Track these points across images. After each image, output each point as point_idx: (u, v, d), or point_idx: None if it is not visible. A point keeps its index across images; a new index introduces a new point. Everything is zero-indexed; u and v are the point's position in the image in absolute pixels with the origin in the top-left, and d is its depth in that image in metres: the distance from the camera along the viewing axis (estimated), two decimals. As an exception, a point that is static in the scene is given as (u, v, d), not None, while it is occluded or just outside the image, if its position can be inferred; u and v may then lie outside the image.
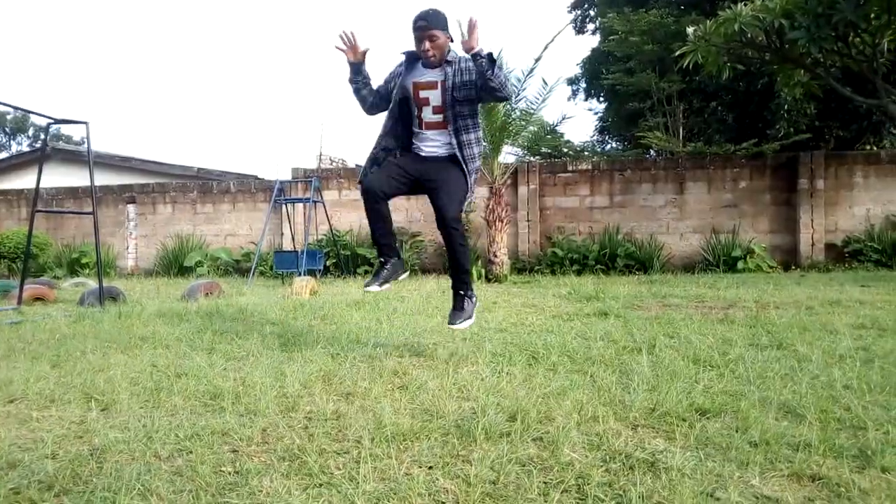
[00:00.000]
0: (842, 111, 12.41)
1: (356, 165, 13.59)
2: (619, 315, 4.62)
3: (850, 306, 4.92)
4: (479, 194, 9.15)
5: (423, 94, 3.24)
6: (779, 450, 1.81)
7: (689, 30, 8.39)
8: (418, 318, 4.60)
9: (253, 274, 9.45)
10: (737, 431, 1.97)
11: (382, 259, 3.26)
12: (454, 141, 3.23)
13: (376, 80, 3.40)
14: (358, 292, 6.79)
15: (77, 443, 1.97)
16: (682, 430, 1.99)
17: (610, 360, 3.01)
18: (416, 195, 3.53)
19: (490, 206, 8.95)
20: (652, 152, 13.81)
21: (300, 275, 8.23)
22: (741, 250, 9.78)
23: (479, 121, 3.34)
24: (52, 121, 5.77)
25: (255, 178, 12.84)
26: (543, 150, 12.00)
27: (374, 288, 3.20)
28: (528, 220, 10.80)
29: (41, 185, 5.98)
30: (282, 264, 9.07)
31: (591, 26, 18.78)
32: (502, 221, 8.95)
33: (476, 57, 3.01)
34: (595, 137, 19.98)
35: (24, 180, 14.49)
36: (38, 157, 11.55)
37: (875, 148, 12.53)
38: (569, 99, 20.87)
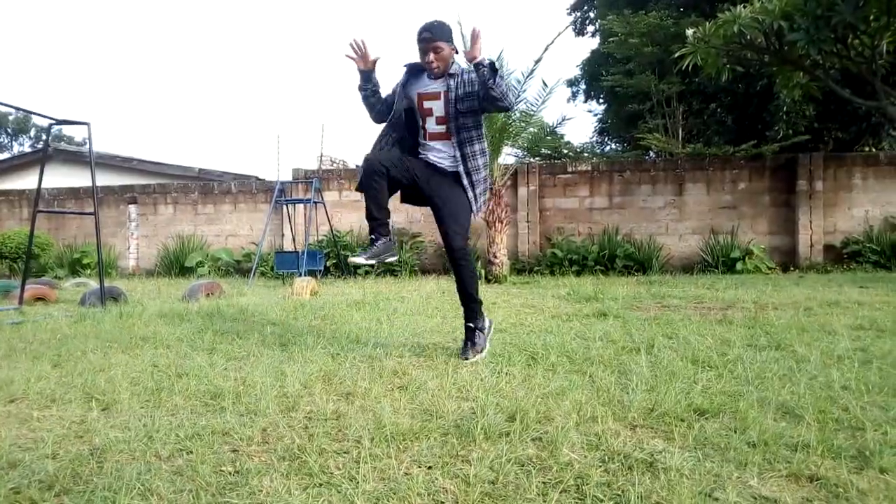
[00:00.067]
0: (841, 113, 12.43)
1: (356, 166, 13.60)
2: (618, 316, 4.63)
3: (849, 307, 4.93)
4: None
5: (426, 104, 3.28)
6: (777, 450, 1.81)
7: (689, 32, 8.39)
8: (418, 319, 4.60)
9: (254, 274, 9.45)
10: (735, 432, 1.97)
11: (374, 236, 3.20)
12: (458, 153, 3.25)
13: (385, 90, 3.44)
14: (358, 293, 6.79)
15: (77, 442, 1.97)
16: (681, 430, 2.00)
17: (609, 360, 3.02)
18: (413, 204, 3.50)
19: (490, 207, 8.96)
20: (651, 154, 13.83)
21: (301, 275, 8.24)
22: (740, 251, 9.79)
23: (484, 132, 3.35)
24: (53, 121, 5.78)
25: (256, 178, 12.84)
26: (543, 151, 12.01)
27: (360, 260, 3.14)
28: (527, 221, 10.81)
29: (43, 186, 5.98)
30: (282, 265, 9.08)
31: (590, 28, 18.82)
32: (502, 222, 8.96)
33: (478, 66, 3.03)
34: (595, 139, 20.03)
35: (25, 181, 14.51)
36: (39, 158, 11.57)
37: (874, 150, 12.54)
38: (568, 100, 20.94)
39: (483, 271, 8.93)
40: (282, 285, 8.44)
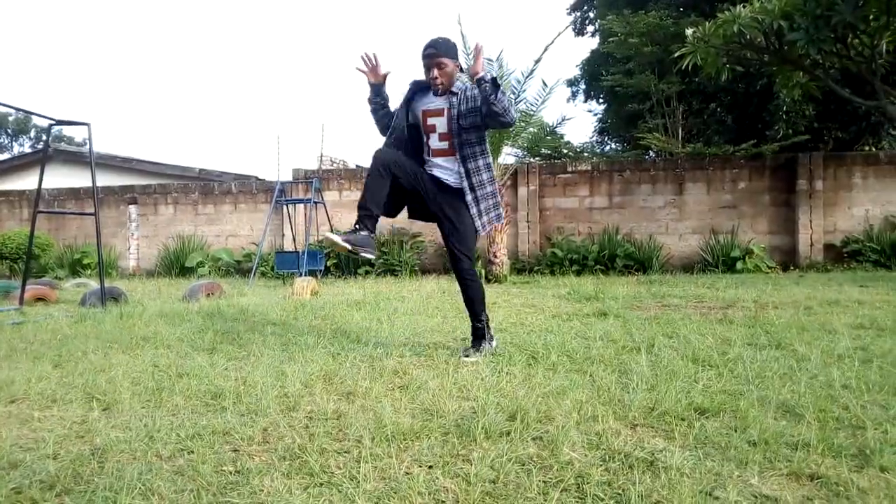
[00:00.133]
0: (841, 112, 12.43)
1: (357, 166, 13.61)
2: (619, 315, 4.63)
3: (849, 306, 4.93)
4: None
5: (430, 120, 3.30)
6: (777, 449, 1.81)
7: (689, 31, 8.39)
8: (418, 319, 4.61)
9: (254, 274, 9.46)
10: (735, 431, 1.98)
11: (358, 226, 3.10)
12: (461, 169, 3.26)
13: (393, 104, 3.47)
14: (359, 293, 6.80)
15: (78, 442, 1.97)
16: (681, 429, 2.00)
17: (609, 359, 3.02)
18: (421, 220, 3.49)
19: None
20: (651, 153, 13.82)
21: (301, 275, 8.24)
22: (740, 251, 9.79)
23: (488, 148, 3.36)
24: (53, 122, 5.78)
25: (256, 178, 12.84)
26: (543, 151, 12.00)
27: (335, 238, 3.01)
28: (527, 221, 10.81)
29: (43, 186, 5.98)
30: (283, 265, 9.08)
31: (590, 28, 18.82)
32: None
33: (480, 81, 3.05)
34: (594, 138, 20.03)
35: (25, 181, 14.51)
36: (39, 158, 11.57)
37: (874, 149, 12.54)
38: (568, 100, 20.96)
39: (483, 271, 8.93)
40: (282, 285, 8.45)
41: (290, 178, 11.66)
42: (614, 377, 2.65)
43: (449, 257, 3.33)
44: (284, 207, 10.90)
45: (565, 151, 13.72)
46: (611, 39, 12.52)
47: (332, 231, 3.08)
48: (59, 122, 5.83)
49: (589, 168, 10.90)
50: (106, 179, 13.16)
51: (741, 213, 10.30)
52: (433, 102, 3.30)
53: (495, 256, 8.85)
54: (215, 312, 4.91)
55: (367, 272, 10.24)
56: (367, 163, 14.52)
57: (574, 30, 19.03)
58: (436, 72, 3.18)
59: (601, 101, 18.59)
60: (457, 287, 3.39)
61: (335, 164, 14.31)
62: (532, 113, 9.23)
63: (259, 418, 2.15)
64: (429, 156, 3.36)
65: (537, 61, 8.77)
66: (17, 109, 6.21)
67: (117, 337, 3.83)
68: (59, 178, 13.45)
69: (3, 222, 13.06)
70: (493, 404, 2.23)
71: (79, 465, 1.77)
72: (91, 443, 1.96)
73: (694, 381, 2.55)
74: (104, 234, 10.63)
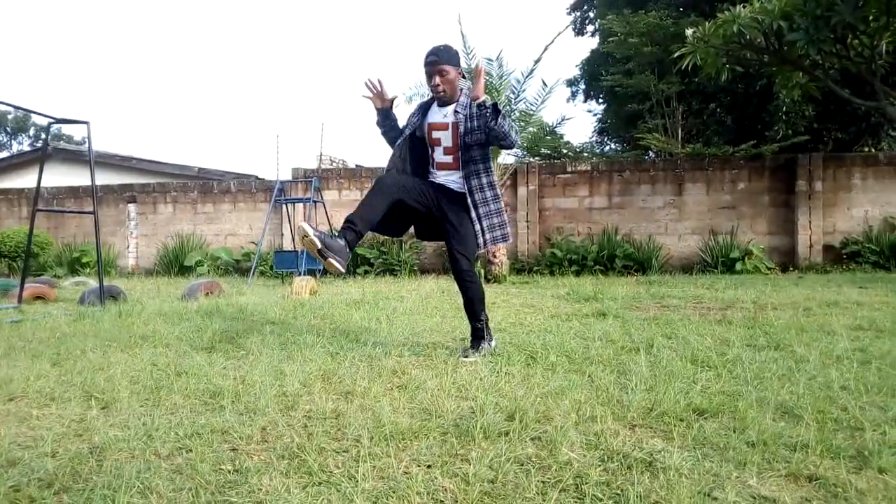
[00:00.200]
0: (840, 113, 12.44)
1: (356, 166, 13.62)
2: (618, 315, 4.63)
3: (848, 307, 4.93)
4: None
5: (435, 134, 3.30)
6: (776, 450, 1.81)
7: (688, 31, 8.40)
8: (417, 318, 4.61)
9: (253, 273, 9.45)
10: (734, 431, 1.98)
11: (338, 234, 3.01)
12: (465, 186, 3.27)
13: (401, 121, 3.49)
14: (358, 292, 6.80)
15: (77, 441, 1.97)
16: (680, 429, 2.00)
17: (608, 360, 3.02)
18: (428, 240, 3.52)
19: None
20: (651, 154, 13.83)
21: (300, 274, 8.24)
22: (739, 251, 9.79)
23: (492, 166, 3.36)
24: (53, 120, 5.78)
25: (256, 178, 12.84)
26: (543, 151, 12.01)
27: (310, 230, 2.89)
28: (527, 221, 10.81)
29: (42, 185, 5.98)
30: (282, 264, 9.08)
31: (590, 28, 18.83)
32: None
33: (481, 107, 3.06)
34: (594, 139, 20.04)
35: (25, 180, 14.50)
36: (39, 157, 11.58)
37: (873, 150, 12.55)
38: (568, 100, 20.97)
39: (482, 271, 8.93)
40: (281, 284, 8.44)
41: (289, 178, 11.65)
42: (613, 378, 2.65)
43: (448, 258, 3.34)
44: (284, 206, 10.90)
45: (565, 151, 13.72)
46: (611, 39, 12.53)
47: (316, 228, 2.97)
48: (59, 121, 5.83)
49: (588, 168, 10.90)
50: (105, 178, 13.15)
51: (740, 213, 10.31)
52: (437, 116, 3.31)
53: (494, 256, 8.85)
54: (214, 311, 4.91)
55: (366, 272, 10.24)
56: (366, 162, 14.53)
57: (574, 30, 19.05)
58: (438, 79, 3.19)
59: (601, 101, 18.59)
60: (456, 287, 3.40)
61: (335, 164, 14.31)
62: (532, 113, 9.23)
63: (258, 417, 2.15)
64: (433, 168, 3.38)
65: (537, 61, 8.77)
66: (17, 108, 6.20)
67: (116, 335, 3.82)
68: (58, 176, 13.44)
69: (2, 220, 13.05)
70: (492, 404, 2.23)
71: (77, 463, 1.77)
72: (89, 441, 1.96)
73: (693, 382, 2.55)
74: (103, 232, 10.64)
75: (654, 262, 9.85)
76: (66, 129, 33.91)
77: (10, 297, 6.22)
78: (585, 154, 15.28)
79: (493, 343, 3.34)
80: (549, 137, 11.28)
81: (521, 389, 2.48)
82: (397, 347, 3.35)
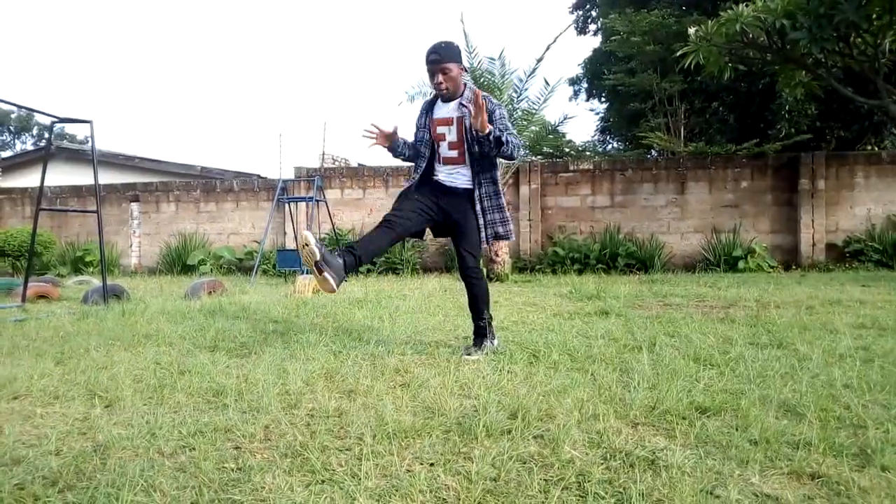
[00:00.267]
0: (843, 112, 12.41)
1: (359, 164, 13.62)
2: (620, 314, 4.63)
3: (851, 306, 4.92)
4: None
5: (439, 129, 3.32)
6: (779, 448, 1.81)
7: (691, 30, 8.38)
8: (420, 317, 4.61)
9: (256, 272, 9.46)
10: (737, 430, 1.98)
11: (340, 254, 3.00)
12: (471, 177, 3.30)
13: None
14: (360, 291, 6.80)
15: (81, 439, 1.98)
16: (683, 428, 2.00)
17: (611, 358, 3.02)
18: (443, 236, 3.57)
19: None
20: (653, 152, 13.80)
21: (303, 273, 8.25)
22: (742, 250, 9.78)
23: (496, 161, 3.38)
24: (56, 120, 5.79)
25: (258, 176, 12.85)
26: (545, 149, 11.99)
27: (312, 240, 2.87)
28: (529, 220, 10.81)
29: (45, 184, 5.99)
30: (284, 263, 9.09)
31: (592, 27, 18.79)
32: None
33: (485, 137, 3.08)
34: (596, 137, 20.00)
35: (28, 179, 14.53)
36: (42, 156, 11.60)
37: (876, 148, 12.52)
38: (570, 99, 20.92)
39: (485, 270, 8.92)
40: (284, 283, 8.45)
41: (292, 176, 11.66)
42: (615, 376, 2.65)
43: (456, 255, 3.37)
44: (286, 205, 10.90)
45: (567, 150, 13.71)
46: (613, 38, 12.51)
47: (317, 237, 3.01)
48: (62, 120, 5.84)
49: (591, 167, 10.89)
50: (108, 177, 13.17)
51: (743, 212, 10.29)
52: (441, 111, 3.32)
53: (497, 255, 8.85)
54: (217, 310, 4.92)
55: (368, 270, 10.25)
56: (369, 161, 14.50)
57: (576, 28, 19.01)
58: (440, 77, 3.19)
59: (603, 99, 18.55)
60: (459, 285, 3.41)
61: (337, 163, 14.31)
62: (534, 112, 9.22)
63: (261, 416, 2.15)
64: (439, 163, 3.39)
65: (539, 60, 8.76)
66: (20, 107, 6.21)
67: (119, 334, 3.83)
68: (61, 175, 13.46)
69: (6, 220, 13.09)
70: (495, 402, 2.24)
71: (81, 461, 1.77)
72: (93, 439, 1.97)
73: (695, 380, 2.55)
74: (106, 231, 10.65)
75: (657, 261, 9.84)
76: (70, 129, 34.00)
77: (14, 295, 6.24)
78: (588, 153, 15.27)
79: (495, 341, 3.34)
80: (551, 136, 11.26)
81: (523, 388, 2.49)
82: (400, 346, 3.35)
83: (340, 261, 2.96)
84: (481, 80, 8.74)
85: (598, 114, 19.70)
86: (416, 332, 3.92)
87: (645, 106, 14.11)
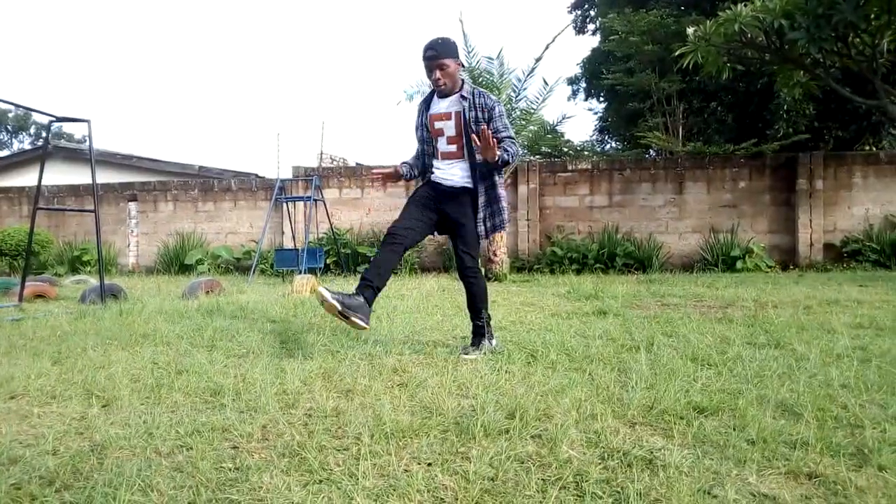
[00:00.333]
0: (841, 112, 12.43)
1: (357, 164, 13.61)
2: (618, 314, 4.63)
3: (848, 306, 4.93)
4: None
5: (437, 124, 3.33)
6: (776, 448, 1.82)
7: (689, 30, 8.39)
8: (418, 317, 4.61)
9: (253, 272, 9.45)
10: (734, 429, 1.98)
11: (357, 291, 3.05)
12: (469, 171, 3.31)
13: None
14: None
15: (78, 439, 1.98)
16: (680, 427, 2.00)
17: (608, 358, 3.02)
18: (443, 234, 3.59)
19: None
20: (651, 152, 13.82)
21: (301, 273, 8.24)
22: (740, 250, 9.79)
23: None
24: (53, 119, 5.78)
25: (256, 176, 12.84)
26: (543, 149, 12.00)
27: (327, 294, 2.90)
28: (527, 220, 10.81)
29: (43, 183, 5.98)
30: (282, 262, 9.08)
31: (591, 26, 18.81)
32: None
33: (493, 163, 3.15)
34: (595, 137, 20.02)
35: (25, 178, 14.50)
36: (39, 155, 11.58)
37: (874, 148, 12.54)
38: (569, 99, 20.96)
39: (483, 269, 8.92)
40: (282, 283, 8.45)
41: (289, 176, 11.65)
42: (613, 376, 2.65)
43: (454, 254, 3.39)
44: (284, 205, 10.90)
45: (565, 150, 13.72)
46: (611, 38, 12.52)
47: (327, 288, 2.95)
48: (59, 119, 5.83)
49: (589, 167, 10.90)
50: (106, 176, 13.15)
51: (741, 212, 10.30)
52: (439, 106, 3.32)
53: (495, 255, 8.85)
54: (215, 310, 4.91)
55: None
56: (367, 160, 14.52)
57: (575, 28, 19.03)
58: (438, 73, 3.20)
59: (601, 99, 18.58)
60: (457, 285, 3.41)
61: (335, 162, 14.31)
62: (532, 111, 9.23)
63: (258, 415, 2.15)
64: (437, 159, 3.39)
65: (538, 60, 8.77)
66: (17, 106, 6.20)
67: (117, 334, 3.83)
68: (58, 174, 13.44)
69: (3, 219, 13.06)
70: (493, 402, 2.24)
71: (78, 461, 1.77)
72: (90, 439, 1.96)
73: (693, 380, 2.55)
74: (104, 231, 10.63)
75: (655, 261, 9.85)
76: (67, 128, 33.92)
77: (11, 295, 6.23)
78: (586, 152, 15.28)
79: (493, 341, 3.34)
80: (549, 136, 11.27)
81: (521, 387, 2.49)
82: (398, 346, 3.35)
83: (361, 299, 3.02)
84: (480, 79, 8.75)
85: (596, 113, 19.74)
86: (414, 332, 3.92)
87: (643, 106, 14.13)
